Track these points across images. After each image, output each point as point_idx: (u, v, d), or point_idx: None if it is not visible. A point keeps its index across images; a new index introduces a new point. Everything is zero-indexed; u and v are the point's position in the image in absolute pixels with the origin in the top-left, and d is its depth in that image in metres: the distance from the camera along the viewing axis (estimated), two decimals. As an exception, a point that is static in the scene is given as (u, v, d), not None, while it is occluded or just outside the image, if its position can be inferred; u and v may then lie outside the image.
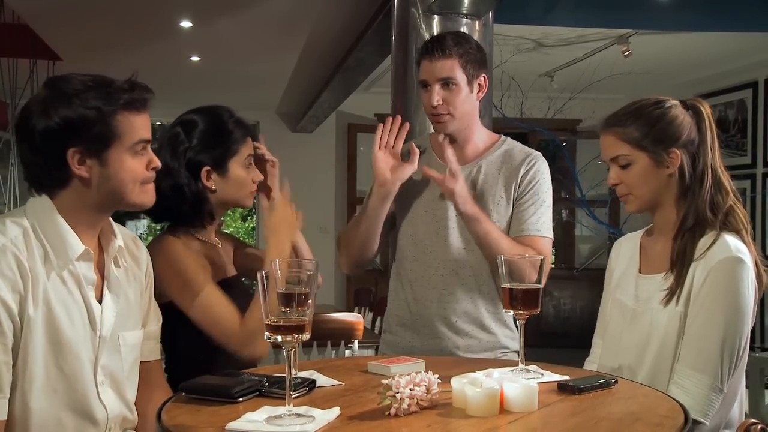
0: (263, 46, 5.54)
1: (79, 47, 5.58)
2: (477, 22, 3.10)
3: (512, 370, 1.58)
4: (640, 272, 1.86)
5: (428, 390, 1.35)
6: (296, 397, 1.41)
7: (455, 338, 2.18)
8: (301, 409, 1.30)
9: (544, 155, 2.26)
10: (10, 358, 1.47)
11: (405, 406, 1.31)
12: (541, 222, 2.19)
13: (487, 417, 1.30)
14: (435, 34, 3.08)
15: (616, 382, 1.53)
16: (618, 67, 5.82)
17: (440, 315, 2.18)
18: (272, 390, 1.43)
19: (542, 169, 2.22)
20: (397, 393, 1.31)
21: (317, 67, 6.06)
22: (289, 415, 1.27)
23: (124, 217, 7.70)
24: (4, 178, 5.55)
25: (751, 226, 1.80)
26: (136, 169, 1.59)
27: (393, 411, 1.30)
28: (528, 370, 1.59)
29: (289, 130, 8.21)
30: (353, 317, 3.51)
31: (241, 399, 1.39)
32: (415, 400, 1.32)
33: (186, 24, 5.07)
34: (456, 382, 1.37)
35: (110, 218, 1.68)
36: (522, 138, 2.36)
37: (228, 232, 2.30)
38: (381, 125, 2.15)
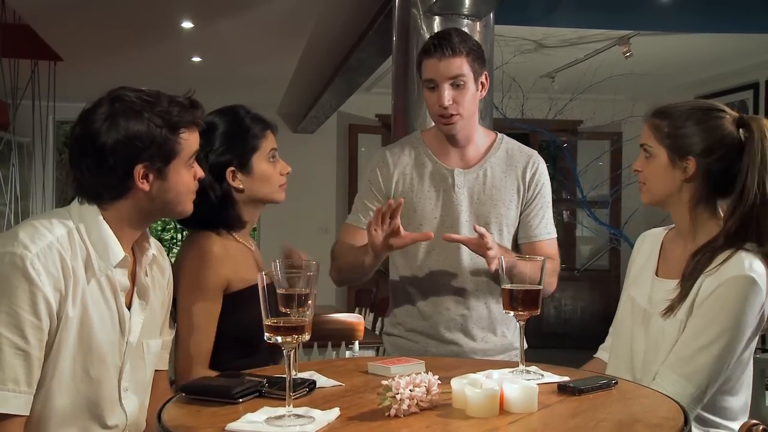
0: (264, 47, 5.54)
1: (80, 48, 5.59)
2: (478, 23, 3.10)
3: (512, 371, 1.58)
4: (656, 275, 1.85)
5: (428, 391, 1.34)
6: (296, 398, 1.41)
7: (472, 343, 2.18)
8: (301, 410, 1.30)
9: (545, 156, 2.27)
10: (43, 356, 1.49)
11: (405, 407, 1.31)
12: (549, 224, 2.24)
13: (487, 418, 1.30)
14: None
15: (616, 383, 1.53)
16: (619, 68, 5.82)
17: (456, 322, 2.18)
18: (272, 391, 1.43)
19: (544, 170, 2.24)
20: (397, 394, 1.31)
21: (318, 67, 6.07)
22: (289, 416, 1.27)
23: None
24: (4, 178, 5.56)
25: None
26: (189, 182, 1.65)
27: (393, 412, 1.30)
28: (528, 371, 1.59)
29: (291, 130, 8.22)
30: (354, 318, 3.51)
31: (241, 400, 1.39)
32: (415, 401, 1.32)
33: (187, 24, 5.07)
34: (456, 383, 1.37)
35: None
36: (523, 139, 2.35)
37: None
38: (379, 209, 1.95)
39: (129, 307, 1.65)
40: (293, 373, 1.51)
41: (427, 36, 3.09)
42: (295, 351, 1.35)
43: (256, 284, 1.30)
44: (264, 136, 2.04)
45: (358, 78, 5.88)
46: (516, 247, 2.23)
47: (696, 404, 1.65)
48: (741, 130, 1.73)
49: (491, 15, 3.16)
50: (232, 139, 2.02)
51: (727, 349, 1.65)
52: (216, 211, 1.99)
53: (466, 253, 2.13)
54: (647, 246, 1.94)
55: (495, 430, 1.27)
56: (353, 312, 5.01)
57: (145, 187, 1.58)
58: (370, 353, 3.92)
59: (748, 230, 1.68)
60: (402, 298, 2.26)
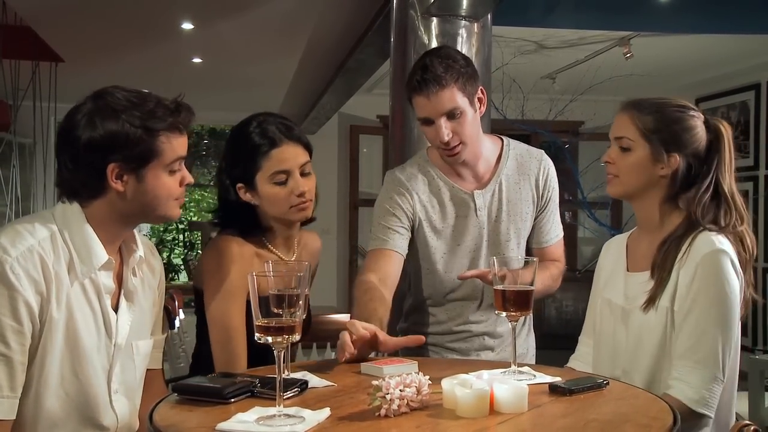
0: (264, 48, 5.55)
1: (81, 49, 5.60)
2: (475, 24, 3.09)
3: (505, 372, 1.58)
4: (627, 270, 1.88)
5: (418, 391, 1.35)
6: (288, 398, 1.42)
7: (493, 342, 2.21)
8: (292, 410, 1.31)
9: (545, 158, 2.25)
10: (27, 360, 1.49)
11: (395, 407, 1.31)
12: (558, 225, 2.25)
13: (477, 418, 1.30)
14: (432, 38, 3.07)
15: (607, 383, 1.53)
16: (619, 69, 5.81)
17: (482, 327, 2.19)
18: (264, 391, 1.43)
19: (553, 172, 2.23)
20: (387, 394, 1.31)
21: (319, 68, 6.07)
22: (280, 416, 1.28)
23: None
24: (5, 179, 5.57)
25: (754, 229, 1.82)
26: (171, 187, 1.62)
27: (383, 412, 1.31)
28: (521, 372, 1.59)
29: (292, 131, 8.22)
30: (353, 319, 3.50)
31: (233, 400, 1.40)
32: (405, 401, 1.32)
33: (187, 26, 5.08)
34: (446, 383, 1.37)
35: (134, 229, 1.70)
36: (525, 140, 2.32)
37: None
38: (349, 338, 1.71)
39: (117, 309, 1.65)
40: (286, 373, 1.53)
41: (425, 38, 3.10)
42: (288, 351, 1.36)
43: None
44: (268, 156, 1.93)
45: (358, 79, 5.88)
46: (528, 250, 2.23)
47: (719, 384, 1.68)
48: (709, 129, 1.81)
49: (489, 16, 3.15)
50: (236, 156, 1.97)
51: (727, 321, 1.69)
52: (232, 215, 2.00)
53: (484, 260, 2.13)
54: (613, 251, 1.97)
55: (484, 430, 1.27)
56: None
57: (119, 187, 1.56)
58: (372, 354, 3.92)
59: (705, 218, 1.76)
60: (417, 306, 2.25)
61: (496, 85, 5.11)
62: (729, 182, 1.79)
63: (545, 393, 1.47)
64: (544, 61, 6.21)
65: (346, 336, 1.70)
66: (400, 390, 1.32)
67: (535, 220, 2.20)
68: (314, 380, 1.56)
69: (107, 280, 1.61)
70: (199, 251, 9.86)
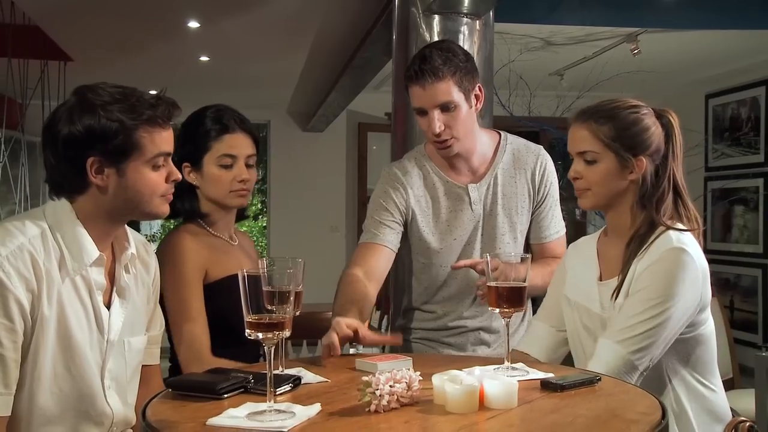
0: (271, 46, 5.56)
1: (90, 48, 5.63)
2: (477, 21, 3.09)
3: (497, 368, 1.59)
4: (600, 279, 1.86)
5: (409, 387, 1.36)
6: (280, 394, 1.43)
7: (489, 337, 2.22)
8: (282, 406, 1.32)
9: (555, 154, 2.26)
10: (19, 357, 1.51)
11: (384, 402, 1.32)
12: (558, 222, 2.24)
13: (466, 413, 1.31)
14: (434, 35, 3.07)
15: (599, 379, 1.53)
16: (627, 66, 5.78)
17: (476, 322, 2.20)
18: (257, 387, 1.44)
19: (552, 168, 2.23)
20: (377, 390, 1.32)
21: (325, 66, 6.08)
22: (270, 411, 1.29)
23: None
24: (15, 177, 5.61)
25: (764, 225, 1.82)
26: (155, 182, 1.62)
27: (373, 407, 1.32)
28: (514, 368, 1.60)
29: (300, 129, 8.23)
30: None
31: (225, 395, 1.41)
32: (395, 397, 1.33)
33: (193, 24, 5.10)
34: (436, 379, 1.38)
35: (126, 225, 1.71)
36: (533, 137, 2.32)
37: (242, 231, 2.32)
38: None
39: (109, 306, 1.66)
40: (280, 369, 1.55)
41: (427, 35, 3.09)
42: (279, 346, 1.37)
43: (236, 275, 1.32)
44: (220, 139, 2.05)
45: (364, 76, 5.88)
46: (527, 247, 2.23)
47: (630, 371, 1.66)
48: (660, 122, 1.80)
49: (491, 13, 3.15)
50: (188, 136, 2.07)
51: (664, 317, 1.66)
52: (174, 200, 2.04)
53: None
54: (583, 254, 1.94)
55: (473, 425, 1.28)
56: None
57: (99, 182, 1.57)
58: (375, 351, 3.93)
59: (665, 215, 1.76)
60: (415, 303, 2.26)
61: (503, 82, 5.10)
62: (680, 175, 1.80)
63: (537, 389, 1.48)
64: (551, 57, 6.19)
65: (334, 337, 1.73)
66: (390, 386, 1.33)
67: (533, 215, 2.21)
68: (308, 376, 1.57)
69: (98, 276, 1.62)
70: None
